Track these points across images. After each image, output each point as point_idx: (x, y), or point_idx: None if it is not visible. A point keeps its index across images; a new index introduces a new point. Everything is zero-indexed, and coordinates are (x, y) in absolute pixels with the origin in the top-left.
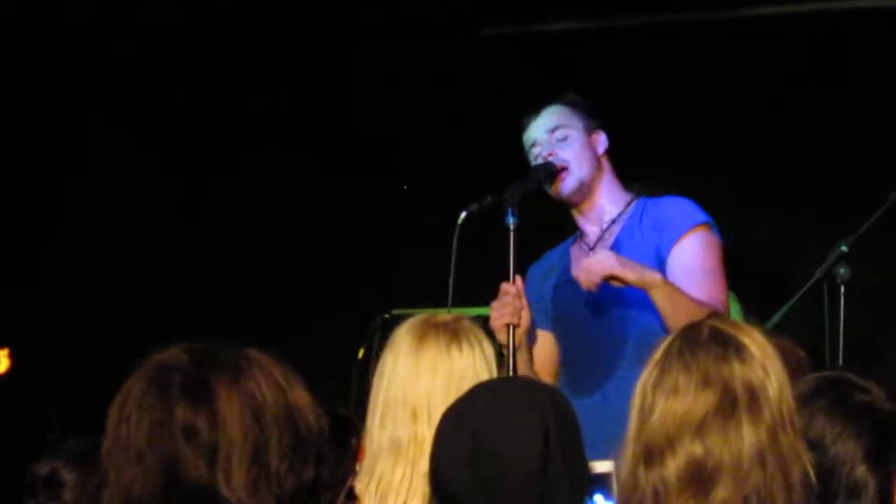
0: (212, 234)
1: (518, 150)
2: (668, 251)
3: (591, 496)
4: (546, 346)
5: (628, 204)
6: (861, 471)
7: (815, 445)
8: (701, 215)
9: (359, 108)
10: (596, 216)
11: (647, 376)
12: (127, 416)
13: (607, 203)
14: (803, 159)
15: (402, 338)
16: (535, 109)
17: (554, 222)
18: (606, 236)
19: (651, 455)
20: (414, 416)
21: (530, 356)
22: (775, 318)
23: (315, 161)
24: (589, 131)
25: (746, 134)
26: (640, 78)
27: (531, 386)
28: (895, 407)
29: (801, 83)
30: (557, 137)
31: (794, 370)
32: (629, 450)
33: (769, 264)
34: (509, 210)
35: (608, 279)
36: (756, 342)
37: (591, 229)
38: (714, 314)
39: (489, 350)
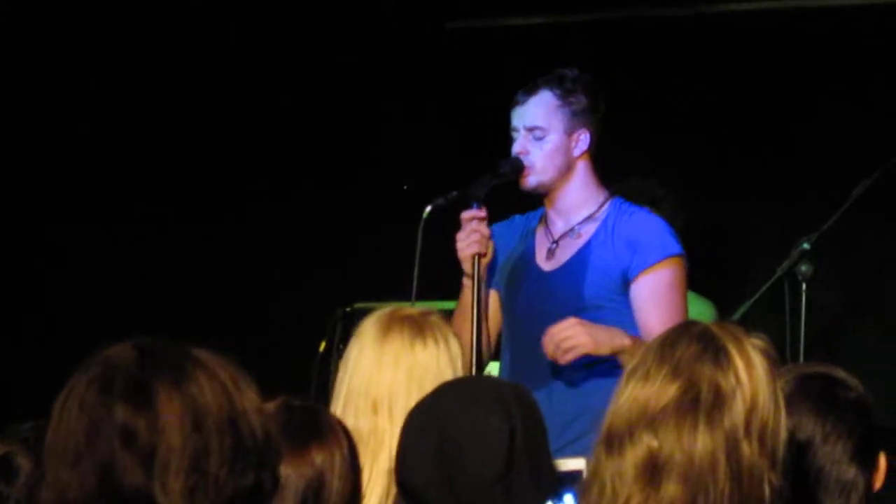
0: (174, 226)
1: (482, 145)
2: (636, 275)
3: (560, 495)
4: (492, 305)
5: (601, 204)
6: (851, 470)
7: (805, 446)
8: (676, 246)
9: (321, 102)
10: (563, 209)
11: (631, 364)
12: (68, 413)
13: (578, 200)
14: (766, 155)
15: (368, 329)
16: (527, 90)
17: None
18: (574, 234)
19: (612, 442)
20: (374, 409)
21: (487, 289)
22: (737, 315)
23: (278, 153)
24: (569, 133)
25: (710, 129)
26: (606, 73)
27: (498, 384)
28: (873, 402)
29: (765, 80)
30: (534, 136)
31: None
32: (598, 435)
33: (731, 261)
34: (474, 205)
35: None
36: (744, 354)
37: (557, 219)
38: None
39: (455, 347)
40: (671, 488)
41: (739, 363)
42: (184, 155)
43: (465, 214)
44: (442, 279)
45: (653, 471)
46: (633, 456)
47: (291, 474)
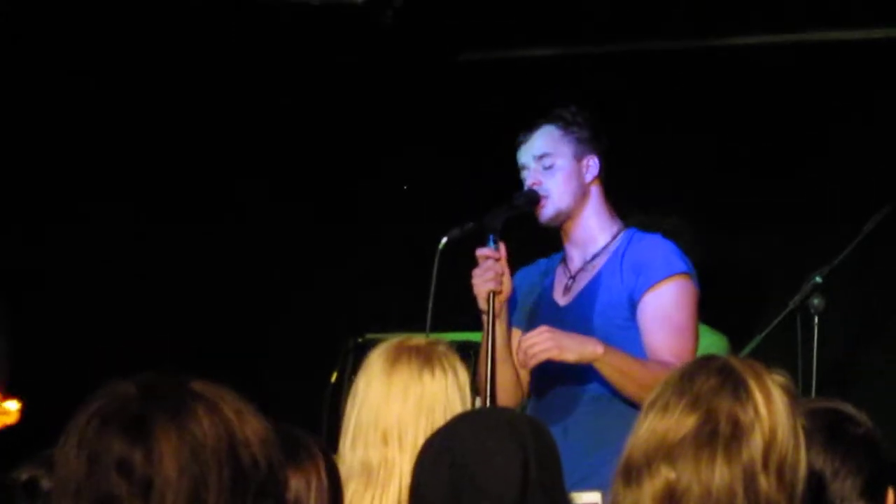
0: (182, 259)
1: (494, 175)
2: (640, 296)
3: None
4: (516, 342)
5: (615, 235)
6: None
7: (815, 482)
8: (681, 264)
9: (333, 130)
10: (580, 241)
11: (651, 397)
12: (70, 447)
13: (594, 230)
14: (778, 189)
15: (375, 361)
16: (529, 129)
17: (540, 246)
18: (589, 268)
19: (629, 473)
20: (385, 440)
21: (509, 327)
22: (748, 348)
23: (288, 182)
24: (578, 158)
25: (721, 163)
26: (617, 105)
27: (512, 416)
28: (883, 437)
29: (776, 113)
30: (544, 165)
31: None
32: (616, 467)
33: (743, 294)
34: (490, 237)
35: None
36: (763, 388)
37: (575, 254)
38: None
39: (463, 376)
40: None
41: (759, 397)
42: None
43: (481, 252)
44: (456, 311)
45: (671, 503)
46: (651, 488)
47: None
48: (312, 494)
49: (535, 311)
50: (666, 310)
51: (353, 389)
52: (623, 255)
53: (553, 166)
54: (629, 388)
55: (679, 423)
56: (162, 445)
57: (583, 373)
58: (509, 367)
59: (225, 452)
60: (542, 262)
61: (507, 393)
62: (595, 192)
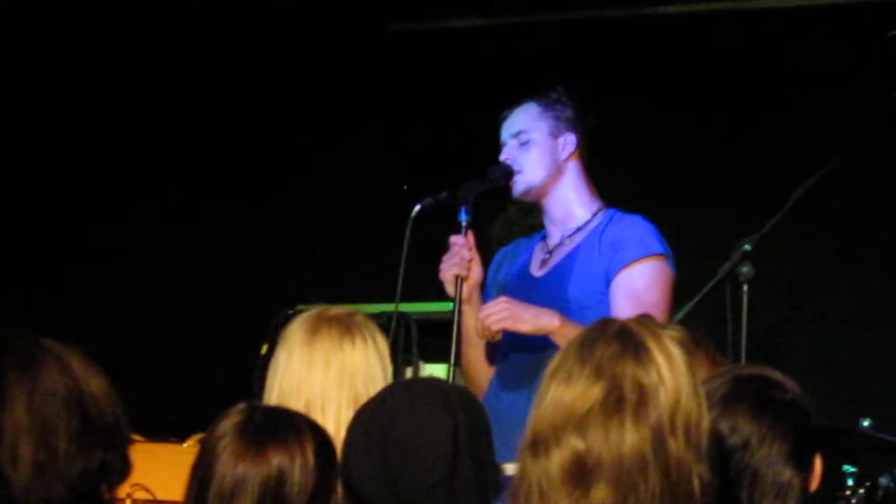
0: (124, 230)
1: (424, 146)
2: (615, 274)
3: (501, 499)
4: None
5: (595, 213)
6: (787, 472)
7: (741, 448)
8: (658, 246)
9: (262, 103)
10: (558, 217)
11: (549, 363)
12: None
13: (572, 206)
14: (706, 155)
15: (295, 332)
16: (513, 105)
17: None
18: (567, 242)
19: (537, 445)
20: (307, 409)
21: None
22: (678, 316)
23: (227, 156)
24: (554, 135)
25: (653, 130)
26: (548, 76)
27: (443, 386)
28: (810, 403)
29: (708, 80)
30: (520, 141)
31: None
32: (522, 439)
33: (672, 261)
34: (462, 207)
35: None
36: (663, 348)
37: (553, 230)
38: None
39: (383, 345)
40: (601, 490)
41: (660, 358)
42: (147, 165)
43: (453, 238)
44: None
45: (580, 473)
46: (559, 458)
47: (249, 473)
48: (297, 471)
49: (507, 283)
50: (637, 290)
51: (273, 360)
52: (602, 233)
53: (528, 142)
54: None
55: (585, 393)
56: (13, 393)
57: (546, 342)
58: (480, 348)
59: (73, 402)
60: (522, 240)
61: (480, 373)
62: (573, 168)
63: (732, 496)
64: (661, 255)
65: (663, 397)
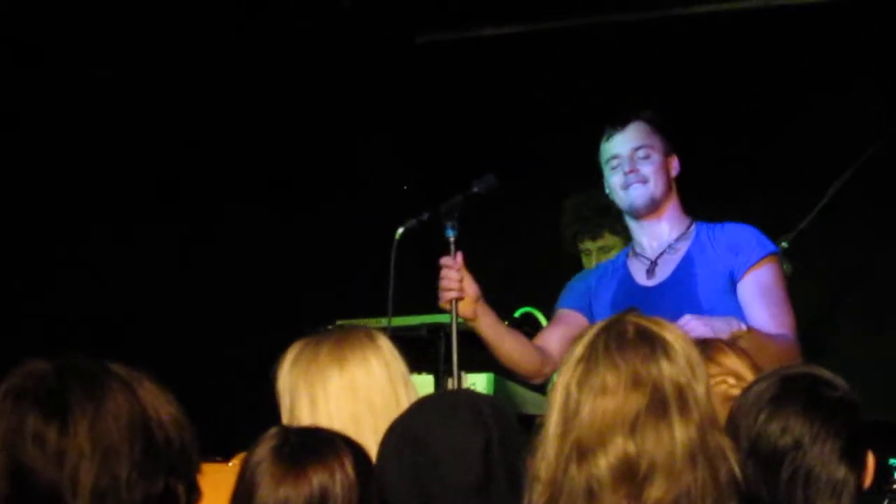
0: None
1: (453, 157)
2: (742, 274)
3: None
4: (570, 325)
5: (688, 227)
6: (841, 470)
7: (794, 447)
8: (772, 245)
9: (292, 118)
10: (657, 232)
11: (570, 374)
12: None
13: (671, 222)
14: (744, 153)
15: (286, 375)
16: (620, 122)
17: (499, 232)
18: (672, 251)
19: (583, 452)
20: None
21: (496, 320)
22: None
23: (255, 172)
24: (666, 154)
25: (687, 130)
26: (576, 82)
27: (473, 397)
28: (859, 399)
29: (743, 79)
30: (640, 155)
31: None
32: (553, 448)
33: None
34: (447, 225)
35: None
36: (679, 339)
37: (649, 243)
38: (632, 308)
39: (390, 356)
40: (656, 488)
41: (682, 351)
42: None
43: (443, 260)
44: (417, 297)
45: (633, 476)
46: (606, 463)
47: (291, 495)
48: (338, 487)
49: (615, 299)
50: (768, 286)
51: (280, 387)
52: (709, 238)
53: (650, 157)
54: (764, 361)
55: (628, 400)
56: (77, 419)
57: None
58: (511, 342)
59: (138, 428)
60: (602, 264)
61: (520, 366)
62: (675, 188)
63: (788, 496)
64: (777, 253)
65: (699, 392)
